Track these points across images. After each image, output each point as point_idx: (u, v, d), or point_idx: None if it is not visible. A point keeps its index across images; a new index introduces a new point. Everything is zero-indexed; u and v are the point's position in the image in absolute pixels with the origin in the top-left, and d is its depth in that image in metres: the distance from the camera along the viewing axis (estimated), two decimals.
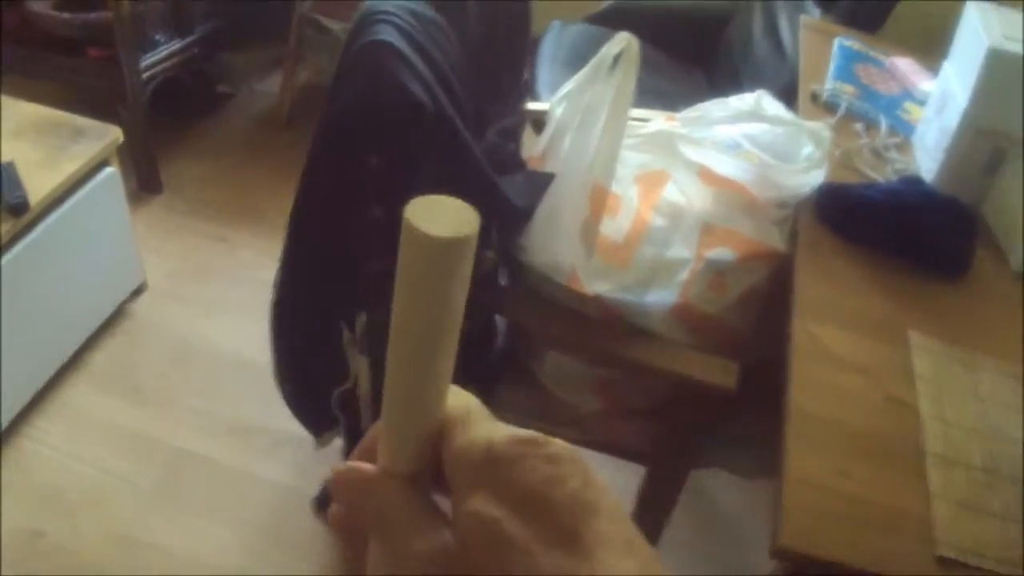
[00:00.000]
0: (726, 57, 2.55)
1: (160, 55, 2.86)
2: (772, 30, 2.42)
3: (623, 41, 1.39)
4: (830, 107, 1.88)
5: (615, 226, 1.48)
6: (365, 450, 0.42)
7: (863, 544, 1.06)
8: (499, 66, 1.76)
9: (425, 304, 0.35)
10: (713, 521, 2.20)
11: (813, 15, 2.33)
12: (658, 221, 1.49)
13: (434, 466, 0.40)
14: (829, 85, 1.93)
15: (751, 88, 1.79)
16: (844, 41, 2.13)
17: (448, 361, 0.38)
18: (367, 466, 0.41)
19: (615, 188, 1.43)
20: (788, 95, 1.86)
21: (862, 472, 1.14)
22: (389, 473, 0.40)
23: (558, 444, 0.36)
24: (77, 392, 2.35)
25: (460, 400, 0.40)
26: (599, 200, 1.38)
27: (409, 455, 0.39)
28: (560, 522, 0.34)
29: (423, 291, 0.35)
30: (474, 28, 1.59)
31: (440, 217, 0.33)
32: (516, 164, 1.59)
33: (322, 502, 2.07)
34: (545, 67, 2.39)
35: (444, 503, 0.39)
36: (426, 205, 0.34)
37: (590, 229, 1.40)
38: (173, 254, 2.79)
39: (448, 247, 0.33)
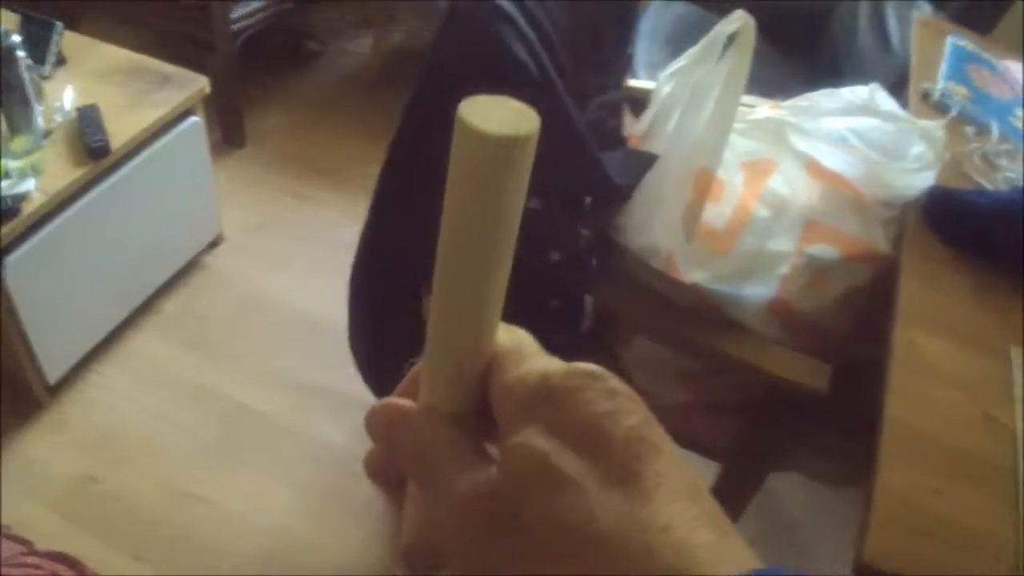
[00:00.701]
0: (828, 47, 2.48)
1: (251, 7, 2.85)
2: (879, 23, 2.35)
3: (739, 20, 1.33)
4: (941, 107, 1.80)
5: (717, 212, 1.42)
6: (407, 387, 0.39)
7: (947, 567, 1.02)
8: (606, 38, 1.70)
9: (478, 212, 0.32)
10: (780, 525, 2.14)
11: (924, 11, 2.25)
12: (761, 211, 1.44)
13: (481, 410, 0.36)
14: (941, 85, 1.85)
15: (851, 81, 1.72)
16: (957, 40, 2.04)
17: (501, 283, 0.34)
18: (407, 401, 0.38)
19: (720, 173, 1.38)
20: (893, 91, 1.79)
21: (953, 491, 1.10)
22: (431, 409, 0.37)
23: (618, 380, 0.33)
24: (144, 340, 2.36)
25: (512, 335, 0.37)
26: (704, 184, 1.33)
27: (454, 391, 0.36)
28: (617, 459, 0.31)
29: (477, 197, 0.31)
30: None
31: (497, 116, 0.30)
32: (617, 140, 1.55)
33: None
34: (643, 44, 2.34)
35: (492, 451, 0.35)
36: (483, 104, 0.31)
37: (692, 214, 1.35)
38: (252, 208, 2.78)
39: (505, 146, 0.30)
